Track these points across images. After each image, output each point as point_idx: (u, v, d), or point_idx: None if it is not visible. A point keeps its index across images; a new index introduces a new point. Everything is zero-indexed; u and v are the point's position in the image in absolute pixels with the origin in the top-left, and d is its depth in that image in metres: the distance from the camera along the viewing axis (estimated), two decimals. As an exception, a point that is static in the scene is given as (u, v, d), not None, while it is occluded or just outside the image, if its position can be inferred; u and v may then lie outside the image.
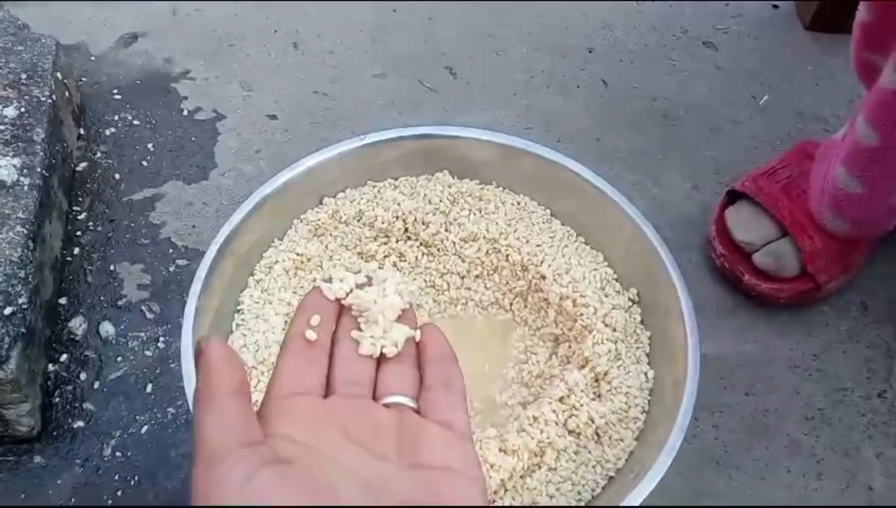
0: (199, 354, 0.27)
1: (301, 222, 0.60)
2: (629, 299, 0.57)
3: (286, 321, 0.54)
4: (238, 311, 0.55)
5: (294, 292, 0.56)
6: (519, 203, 0.62)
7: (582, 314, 0.55)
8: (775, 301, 0.68)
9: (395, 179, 0.63)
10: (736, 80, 0.88)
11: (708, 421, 0.63)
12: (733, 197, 0.72)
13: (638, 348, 0.55)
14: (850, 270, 0.69)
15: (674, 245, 0.72)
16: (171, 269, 0.68)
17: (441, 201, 0.61)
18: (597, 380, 0.53)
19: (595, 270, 0.59)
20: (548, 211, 0.62)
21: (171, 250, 0.70)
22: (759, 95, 0.86)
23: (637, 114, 0.85)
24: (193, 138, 0.79)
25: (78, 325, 0.64)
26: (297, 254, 0.58)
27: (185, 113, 0.81)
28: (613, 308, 0.56)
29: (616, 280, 0.59)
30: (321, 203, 0.61)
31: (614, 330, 0.55)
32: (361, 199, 0.61)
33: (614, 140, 0.82)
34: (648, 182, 0.79)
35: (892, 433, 0.63)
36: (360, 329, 0.33)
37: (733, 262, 0.69)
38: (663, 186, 0.78)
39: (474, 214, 0.61)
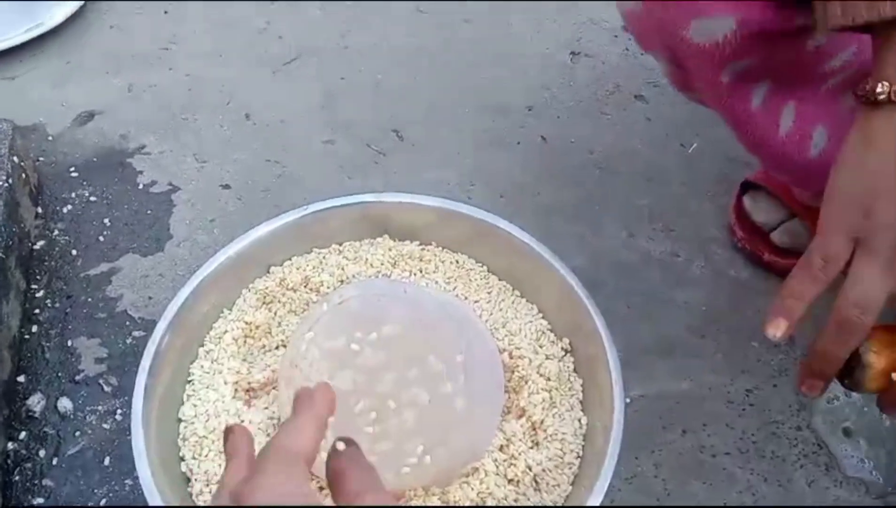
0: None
1: (249, 291, 0.63)
2: (562, 348, 0.61)
3: (236, 390, 0.56)
4: (189, 382, 0.57)
5: (243, 360, 0.59)
6: (458, 262, 0.66)
7: (518, 366, 0.59)
8: None
9: (340, 245, 0.66)
10: (666, 130, 0.94)
11: (648, 460, 0.66)
12: (746, 187, 0.80)
13: (572, 395, 0.58)
14: None
15: (613, 291, 0.77)
16: (128, 341, 0.71)
17: (383, 264, 0.64)
18: (534, 429, 0.56)
19: (530, 322, 0.62)
20: (485, 268, 0.66)
21: (127, 323, 0.72)
22: (688, 143, 0.92)
23: (574, 167, 0.89)
24: (149, 211, 0.82)
25: (36, 402, 0.66)
26: (246, 322, 0.60)
27: (141, 187, 0.84)
28: (547, 358, 0.59)
29: (550, 331, 0.62)
30: (269, 272, 0.64)
31: (548, 379, 0.58)
32: (307, 265, 0.64)
33: (553, 193, 0.86)
34: (587, 232, 0.83)
35: (823, 462, 0.67)
36: None
37: (753, 243, 0.78)
38: (601, 235, 0.83)
39: (415, 274, 0.64)
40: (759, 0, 0.51)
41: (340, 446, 0.36)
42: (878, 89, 0.43)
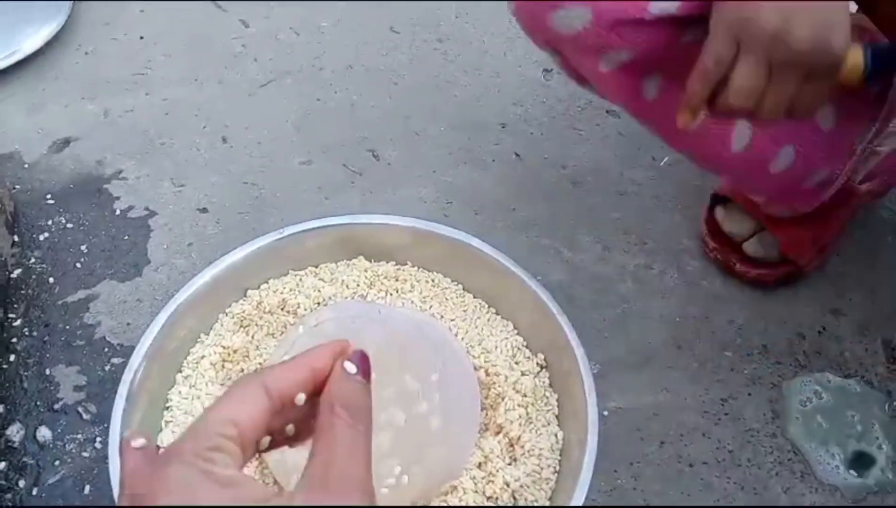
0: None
1: (226, 315, 0.63)
2: (538, 364, 0.62)
3: (214, 414, 0.57)
4: (167, 408, 0.57)
5: (221, 385, 0.59)
6: (433, 281, 0.67)
7: (494, 383, 0.59)
8: (765, 284, 0.79)
9: (316, 267, 0.67)
10: (638, 144, 0.95)
11: (627, 472, 0.67)
12: (716, 200, 0.82)
13: (548, 410, 0.59)
14: (826, 250, 0.79)
15: (587, 304, 0.78)
16: (107, 368, 0.71)
17: (359, 285, 0.65)
18: (511, 445, 0.57)
19: (506, 339, 0.63)
20: (460, 286, 0.67)
21: (106, 350, 0.72)
22: (659, 157, 0.93)
23: (548, 183, 0.91)
24: (126, 237, 0.82)
25: (15, 432, 0.66)
26: (224, 347, 0.61)
27: (118, 212, 0.84)
28: (523, 374, 0.60)
29: (526, 347, 0.63)
30: (245, 296, 0.65)
31: (524, 395, 0.59)
32: (284, 288, 0.65)
33: (528, 209, 0.88)
34: (562, 247, 0.84)
35: (798, 470, 0.68)
36: None
37: (725, 253, 0.80)
38: (576, 249, 0.84)
39: (391, 294, 0.65)
40: None
41: (351, 368, 0.34)
42: None
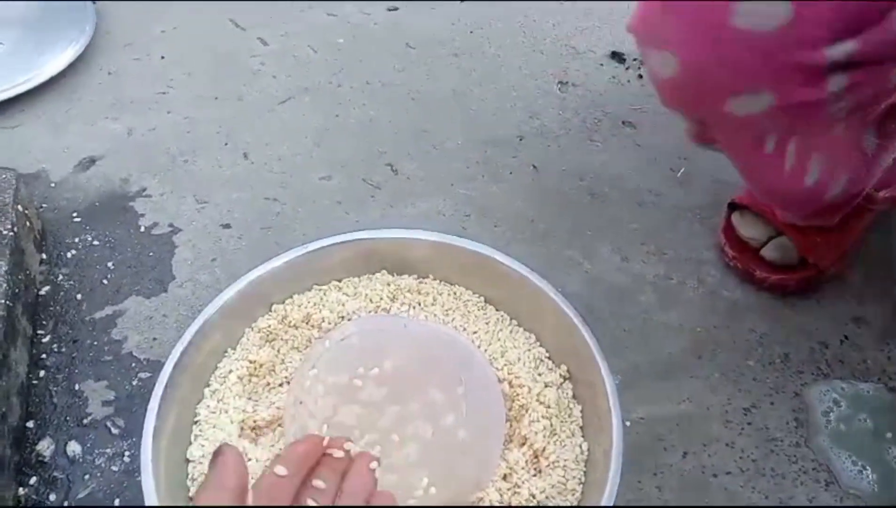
0: (216, 454, 0.40)
1: (252, 329, 0.64)
2: (561, 375, 0.62)
3: (242, 429, 0.58)
4: (195, 423, 0.58)
5: (248, 399, 0.60)
6: (455, 293, 0.67)
7: (518, 395, 0.60)
8: (785, 289, 0.79)
9: (339, 281, 0.68)
10: (655, 155, 0.96)
11: (650, 483, 0.67)
12: (733, 207, 0.83)
13: (572, 422, 0.60)
14: (845, 256, 0.79)
15: (607, 315, 0.78)
16: (134, 383, 0.72)
17: (381, 298, 0.66)
18: (536, 456, 0.57)
19: (529, 350, 0.64)
20: (482, 298, 0.67)
21: (133, 365, 0.73)
22: (676, 167, 0.94)
23: (566, 194, 0.91)
24: (151, 253, 0.83)
25: (46, 447, 0.67)
26: (250, 361, 0.62)
27: (143, 229, 0.86)
28: (546, 386, 0.60)
29: (549, 358, 0.64)
30: (271, 310, 0.65)
31: (548, 407, 0.59)
32: (308, 303, 0.66)
33: (547, 221, 0.88)
34: (581, 258, 0.84)
35: (822, 479, 0.68)
36: None
37: (745, 260, 0.80)
38: (595, 260, 0.84)
39: (413, 307, 0.66)
40: (799, 75, 0.49)
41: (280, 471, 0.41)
42: None
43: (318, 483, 0.43)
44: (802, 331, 0.78)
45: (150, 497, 0.50)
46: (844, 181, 0.69)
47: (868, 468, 0.68)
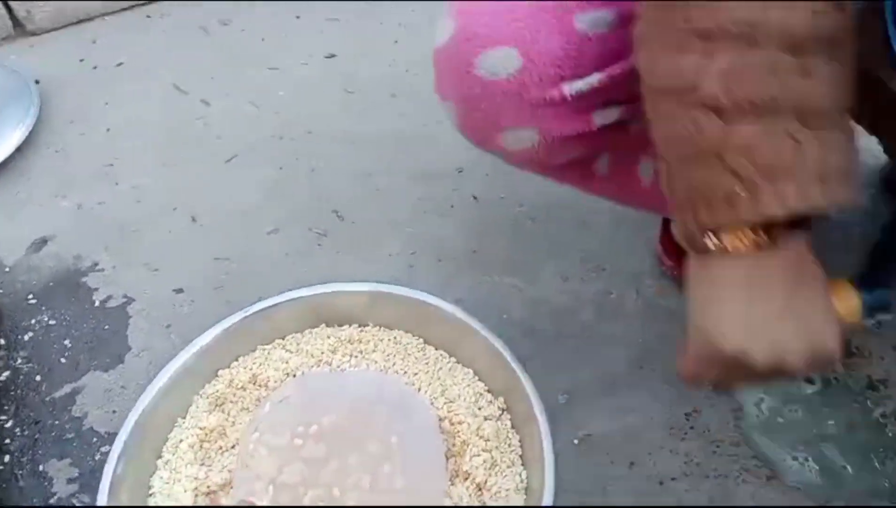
0: None
1: (200, 396, 0.67)
2: (499, 407, 0.65)
3: (196, 495, 0.60)
4: (150, 495, 0.61)
5: (202, 464, 0.62)
6: (394, 338, 0.70)
7: (459, 431, 0.63)
8: None
9: (283, 338, 0.70)
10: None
11: (599, 496, 0.70)
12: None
13: (511, 452, 0.62)
14: None
15: (551, 335, 0.81)
16: (97, 457, 0.74)
17: (323, 352, 0.68)
18: (479, 489, 0.60)
19: (468, 386, 0.66)
20: (421, 339, 0.70)
21: (94, 440, 0.75)
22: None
23: (507, 222, 0.94)
24: (107, 327, 0.86)
25: (15, 531, 0.69)
26: (200, 428, 0.64)
27: (97, 304, 0.88)
28: (486, 419, 0.63)
29: (487, 391, 0.66)
30: (217, 375, 0.68)
31: (487, 440, 0.62)
32: (253, 364, 0.68)
33: (489, 250, 0.91)
34: (523, 284, 0.87)
35: (764, 475, 0.70)
36: None
37: (681, 269, 0.80)
38: (537, 283, 0.87)
39: (354, 356, 0.68)
40: (554, 110, 0.54)
41: None
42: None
43: None
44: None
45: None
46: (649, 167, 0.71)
47: (809, 459, 0.71)
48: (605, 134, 0.58)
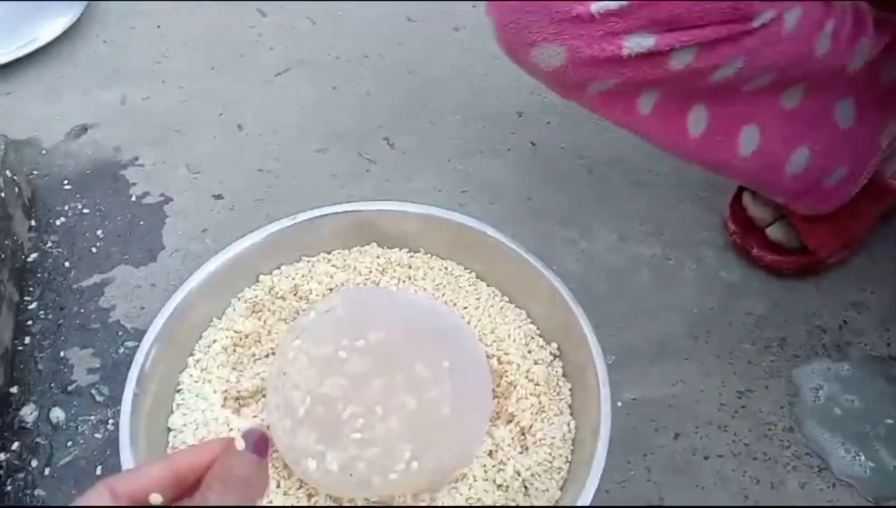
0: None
1: (238, 300, 0.63)
2: (550, 353, 0.61)
3: (225, 399, 0.57)
4: (178, 391, 0.57)
5: (233, 369, 0.59)
6: (446, 268, 0.66)
7: (507, 372, 0.59)
8: (779, 271, 0.78)
9: (328, 253, 0.67)
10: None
11: (640, 464, 0.66)
12: (743, 186, 0.82)
13: (560, 399, 0.58)
14: (851, 244, 0.78)
15: (603, 294, 0.77)
16: (121, 351, 0.71)
17: (371, 271, 0.64)
18: (522, 433, 0.56)
19: (519, 327, 0.62)
20: (473, 274, 0.66)
21: (120, 333, 0.72)
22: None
23: (565, 172, 0.90)
24: (142, 223, 0.82)
25: (29, 413, 0.66)
26: (235, 331, 0.61)
27: (134, 199, 0.85)
28: (536, 363, 0.59)
29: (539, 335, 0.62)
30: (258, 281, 0.64)
31: (537, 384, 0.58)
32: (296, 274, 0.65)
33: (544, 199, 0.87)
34: (578, 237, 0.83)
35: (815, 465, 0.67)
36: None
37: (744, 237, 0.79)
38: (592, 239, 0.83)
39: (403, 281, 0.64)
40: (583, 29, 0.53)
41: (239, 444, 0.38)
42: None
43: None
44: (800, 315, 0.76)
45: (128, 465, 0.50)
46: (807, 154, 0.67)
47: (861, 454, 0.67)
48: (641, 66, 0.55)
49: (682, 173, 0.89)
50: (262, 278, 0.64)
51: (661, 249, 0.82)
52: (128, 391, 0.52)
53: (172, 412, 0.57)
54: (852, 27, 0.62)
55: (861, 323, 0.76)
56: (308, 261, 0.66)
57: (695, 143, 0.64)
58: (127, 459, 0.49)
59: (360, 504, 0.52)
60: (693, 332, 0.75)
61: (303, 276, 0.64)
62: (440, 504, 0.52)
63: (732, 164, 0.67)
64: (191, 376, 0.58)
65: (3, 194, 0.73)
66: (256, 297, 0.63)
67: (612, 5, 0.52)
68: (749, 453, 0.67)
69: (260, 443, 0.39)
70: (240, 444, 0.38)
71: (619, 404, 0.69)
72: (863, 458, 0.67)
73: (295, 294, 0.63)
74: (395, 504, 0.52)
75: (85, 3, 1.06)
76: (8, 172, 0.76)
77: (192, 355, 0.60)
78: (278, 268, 0.65)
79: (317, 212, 0.65)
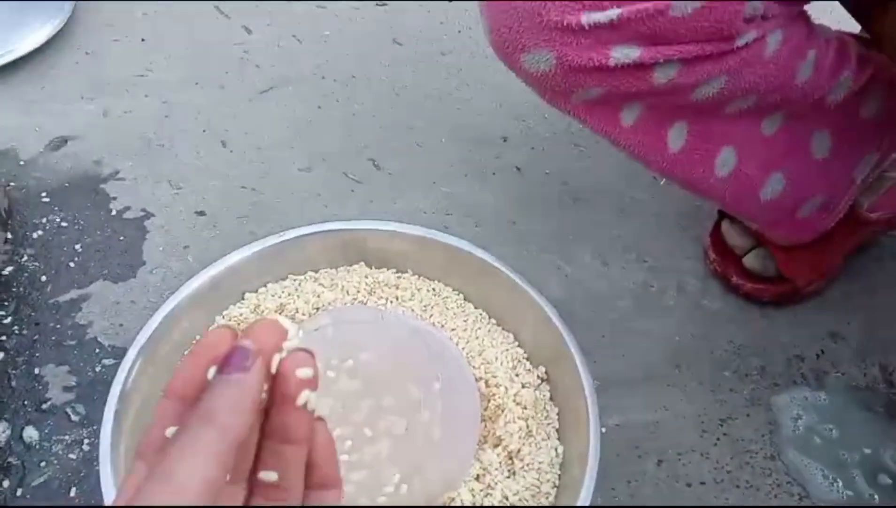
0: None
1: (223, 318, 0.62)
2: (538, 377, 0.61)
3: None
4: (160, 410, 0.56)
5: (216, 388, 0.58)
6: (434, 289, 0.66)
7: (494, 395, 0.59)
8: (758, 299, 0.79)
9: (316, 272, 0.66)
10: (637, 163, 0.95)
11: (624, 491, 0.66)
12: (723, 214, 0.83)
13: (548, 424, 0.58)
14: (829, 274, 0.79)
15: (586, 320, 0.78)
16: (98, 369, 0.69)
17: (359, 291, 0.64)
18: (510, 458, 0.56)
19: (507, 350, 0.62)
20: (461, 296, 0.66)
21: (97, 351, 0.71)
22: (659, 176, 0.93)
23: (549, 197, 0.90)
24: (122, 238, 0.81)
25: (1, 431, 0.64)
26: (220, 350, 0.59)
27: (114, 213, 0.83)
28: (523, 387, 0.59)
29: (527, 359, 0.62)
30: (243, 299, 0.63)
31: (525, 408, 0.58)
32: (282, 292, 0.64)
33: (528, 223, 0.87)
34: (560, 262, 0.83)
35: (796, 492, 0.67)
36: None
37: (724, 265, 0.81)
38: (575, 265, 0.83)
39: (391, 302, 0.64)
40: (573, 38, 0.54)
41: (210, 374, 0.28)
42: None
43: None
44: (779, 344, 0.77)
45: (108, 484, 0.48)
46: (781, 179, 0.69)
47: (839, 481, 0.68)
48: (626, 76, 0.56)
49: (664, 202, 0.91)
50: (247, 295, 0.64)
51: (643, 276, 0.83)
52: (110, 406, 0.51)
53: (153, 431, 0.55)
54: (835, 59, 0.64)
55: (838, 353, 0.77)
56: (295, 279, 0.65)
57: (673, 158, 0.65)
58: (107, 476, 0.48)
59: (345, 528, 0.51)
60: (675, 359, 0.76)
61: (289, 294, 0.64)
62: (427, 529, 0.51)
63: (709, 183, 0.68)
64: (173, 394, 0.57)
65: (-21, 205, 0.71)
66: (241, 315, 0.62)
67: (602, 18, 0.53)
68: (731, 480, 0.68)
69: (236, 359, 0.28)
70: (210, 373, 0.28)
71: (603, 429, 0.69)
72: (841, 485, 0.68)
73: (280, 312, 0.63)
74: (382, 528, 0.51)
75: (67, 13, 1.04)
76: (-15, 183, 0.75)
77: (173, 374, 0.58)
78: (264, 286, 0.64)
79: (305, 230, 0.65)
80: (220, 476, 0.26)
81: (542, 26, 0.54)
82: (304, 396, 0.29)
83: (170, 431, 0.28)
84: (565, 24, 0.54)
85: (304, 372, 0.29)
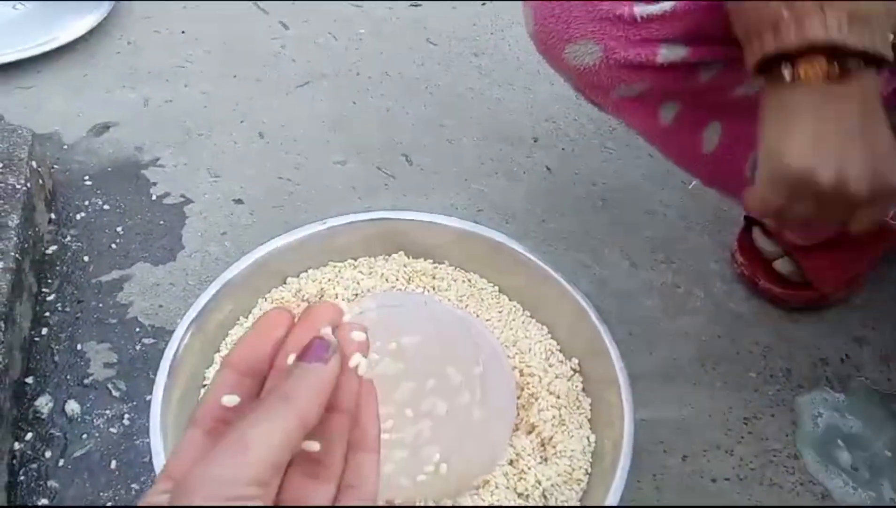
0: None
1: (265, 300, 0.64)
2: (571, 368, 0.62)
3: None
4: (204, 386, 0.58)
5: (258, 367, 0.59)
6: (470, 281, 0.67)
7: (528, 383, 0.60)
8: (785, 304, 0.80)
9: (355, 260, 0.68)
10: (667, 166, 0.96)
11: (650, 484, 0.67)
12: (751, 220, 0.83)
13: (580, 413, 0.60)
14: (854, 282, 0.80)
15: (614, 318, 0.78)
16: (138, 347, 0.71)
17: (398, 279, 0.66)
18: (543, 445, 0.57)
19: (540, 342, 0.64)
20: (496, 288, 0.67)
21: (137, 330, 0.72)
22: (688, 180, 0.94)
23: (578, 198, 0.92)
24: (162, 222, 0.83)
25: (44, 404, 0.66)
26: (262, 331, 0.61)
27: (154, 198, 0.85)
28: (557, 377, 0.61)
29: (560, 351, 0.64)
30: (285, 283, 0.65)
31: (558, 397, 0.59)
32: (323, 278, 0.66)
33: (558, 222, 0.89)
34: (589, 261, 0.85)
35: (818, 491, 0.68)
36: None
37: (752, 269, 0.81)
38: (603, 264, 0.85)
39: (428, 291, 0.66)
40: (622, 30, 0.54)
41: (290, 360, 0.29)
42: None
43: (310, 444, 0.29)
44: (805, 347, 0.78)
45: (158, 454, 0.50)
46: None
47: (860, 485, 0.69)
48: (671, 76, 0.57)
49: (691, 205, 0.92)
50: (289, 279, 0.65)
51: (671, 277, 0.84)
52: (160, 380, 0.52)
53: (199, 406, 0.57)
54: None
55: (862, 357, 0.78)
56: (335, 266, 0.67)
57: (705, 159, 0.66)
58: (157, 446, 0.50)
59: (381, 504, 0.53)
60: (701, 358, 0.77)
61: (329, 280, 0.65)
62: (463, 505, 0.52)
63: (740, 182, 0.68)
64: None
65: (28, 185, 0.74)
66: (283, 298, 0.64)
67: (655, 10, 0.53)
68: (754, 477, 0.69)
69: (317, 351, 0.29)
70: (290, 359, 0.29)
71: (630, 424, 0.70)
72: (862, 486, 0.68)
73: (321, 297, 0.64)
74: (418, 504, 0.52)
75: (110, 5, 1.07)
76: (33, 164, 0.77)
77: (218, 351, 0.60)
78: (305, 271, 0.66)
79: (347, 218, 0.67)
80: (287, 457, 0.27)
81: (591, 16, 0.54)
82: (356, 359, 0.30)
83: (226, 399, 0.30)
84: (617, 14, 0.53)
85: (357, 335, 0.31)
